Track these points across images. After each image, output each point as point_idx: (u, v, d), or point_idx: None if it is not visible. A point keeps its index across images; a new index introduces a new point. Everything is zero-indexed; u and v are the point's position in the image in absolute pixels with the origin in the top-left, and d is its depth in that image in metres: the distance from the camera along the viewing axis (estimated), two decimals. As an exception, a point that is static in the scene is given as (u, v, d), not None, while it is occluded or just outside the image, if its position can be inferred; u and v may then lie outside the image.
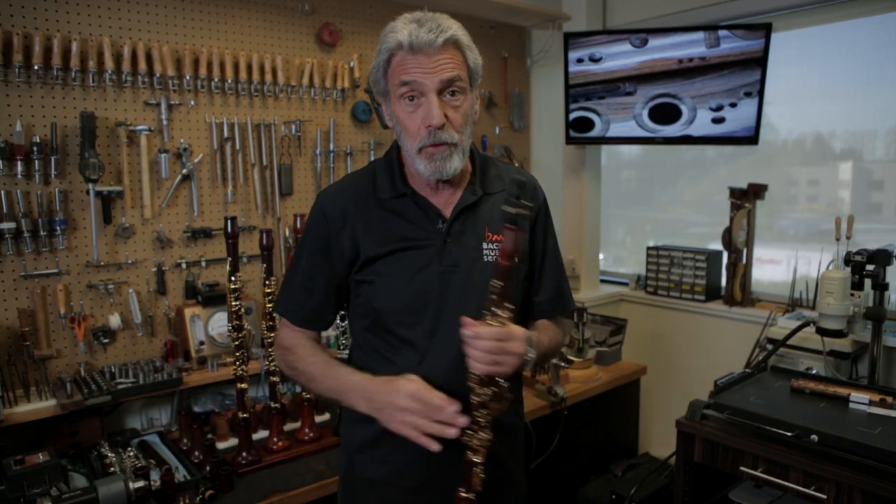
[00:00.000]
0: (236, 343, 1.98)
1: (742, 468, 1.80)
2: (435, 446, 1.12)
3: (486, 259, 1.28)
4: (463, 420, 1.12)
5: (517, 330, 1.15)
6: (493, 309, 1.11)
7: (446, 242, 1.26)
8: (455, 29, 1.19)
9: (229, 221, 1.91)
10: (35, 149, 1.91)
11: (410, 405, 1.13)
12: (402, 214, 1.28)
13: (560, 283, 1.43)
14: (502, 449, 1.36)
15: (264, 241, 2.02)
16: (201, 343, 2.21)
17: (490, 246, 1.29)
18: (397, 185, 1.29)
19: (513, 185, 1.09)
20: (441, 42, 1.15)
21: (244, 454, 1.96)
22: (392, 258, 1.27)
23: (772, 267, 2.92)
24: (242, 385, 2.00)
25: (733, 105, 2.67)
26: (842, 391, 1.88)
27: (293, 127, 2.46)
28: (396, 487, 1.31)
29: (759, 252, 2.94)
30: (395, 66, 1.19)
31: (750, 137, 2.67)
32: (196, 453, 1.97)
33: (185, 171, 2.22)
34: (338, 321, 2.17)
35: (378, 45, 1.21)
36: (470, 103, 1.23)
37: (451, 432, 1.11)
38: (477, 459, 1.16)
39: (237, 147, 2.34)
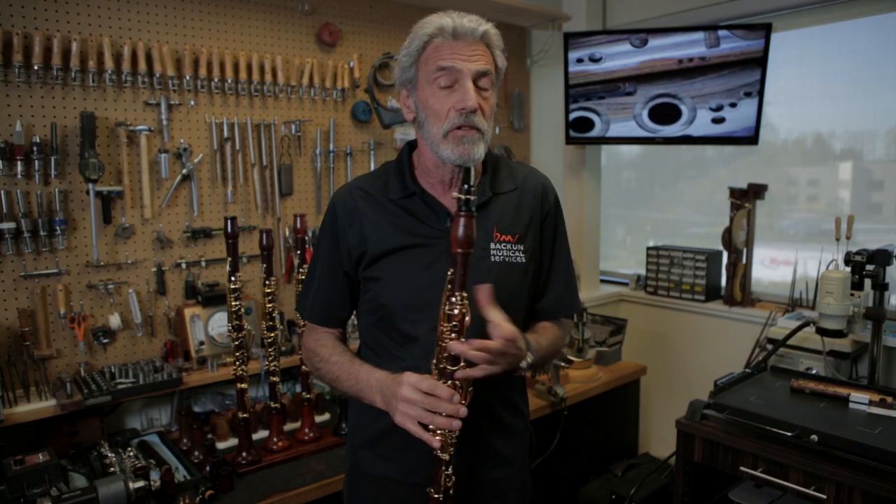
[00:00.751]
0: (236, 343, 1.98)
1: (742, 468, 1.80)
2: (436, 443, 1.12)
3: (493, 259, 1.29)
4: (464, 412, 1.11)
5: (520, 334, 1.16)
6: (448, 298, 1.11)
7: None
8: (491, 27, 1.24)
9: (229, 221, 1.91)
10: (35, 149, 1.91)
11: (412, 396, 1.12)
12: (410, 213, 1.30)
13: (568, 284, 1.43)
14: (505, 448, 1.36)
15: (264, 241, 2.02)
16: (201, 343, 2.21)
17: (497, 246, 1.30)
18: (407, 184, 1.31)
19: (463, 173, 1.10)
20: (481, 32, 1.21)
21: (244, 454, 1.96)
22: (399, 255, 1.28)
23: (784, 268, 2.89)
24: (242, 385, 2.00)
25: (733, 105, 2.67)
26: (842, 391, 1.88)
27: (293, 127, 2.46)
28: (401, 484, 1.32)
29: (769, 253, 2.93)
30: (430, 51, 1.22)
31: (750, 137, 2.67)
32: (196, 453, 1.97)
33: (185, 171, 2.22)
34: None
35: (410, 37, 1.25)
36: (494, 101, 1.27)
37: (457, 424, 1.10)
38: (444, 457, 1.14)
39: (237, 147, 2.34)
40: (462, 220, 1.07)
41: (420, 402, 1.11)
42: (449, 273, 1.10)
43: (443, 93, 1.21)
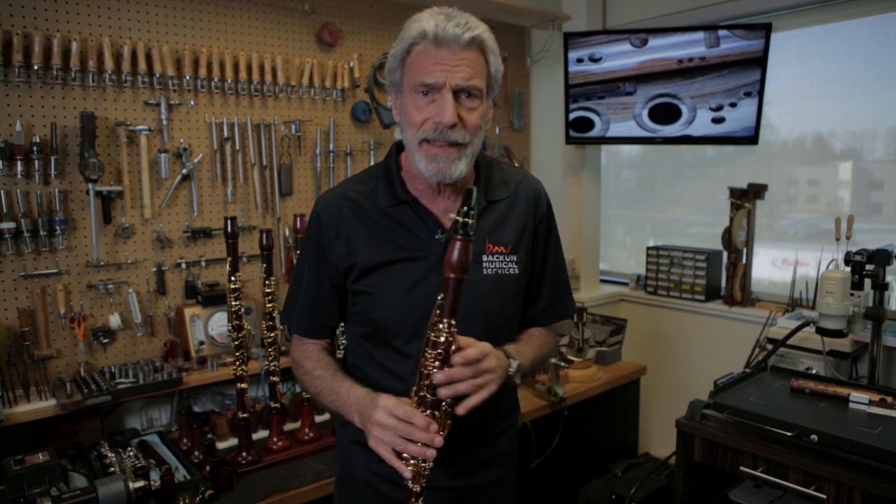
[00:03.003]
0: (236, 343, 1.98)
1: (742, 468, 1.80)
2: (407, 472, 1.06)
3: (485, 272, 1.25)
4: (440, 442, 1.05)
5: (486, 346, 1.12)
6: (436, 325, 1.04)
7: None
8: (482, 31, 1.14)
9: (229, 221, 1.91)
10: (35, 149, 1.91)
11: (386, 421, 1.06)
12: (400, 223, 1.25)
13: (560, 291, 1.41)
14: (491, 451, 1.34)
15: (264, 241, 2.02)
16: (201, 343, 2.21)
17: (490, 258, 1.25)
18: (397, 192, 1.26)
19: (464, 193, 1.01)
20: (466, 39, 1.11)
21: (244, 454, 1.96)
22: (390, 269, 1.24)
23: (788, 267, 2.88)
24: (242, 385, 2.00)
25: (733, 105, 2.67)
26: (842, 391, 1.88)
27: (293, 127, 2.46)
28: (393, 485, 1.31)
29: (771, 253, 2.93)
30: (414, 57, 1.15)
31: (750, 137, 2.67)
32: (196, 453, 1.97)
33: (184, 171, 2.22)
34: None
35: (399, 36, 1.17)
36: (485, 109, 1.19)
37: (431, 453, 1.04)
38: (415, 488, 1.08)
39: (237, 147, 2.34)
40: (458, 245, 0.99)
41: (394, 428, 1.06)
42: (439, 298, 1.03)
43: (423, 101, 1.14)
